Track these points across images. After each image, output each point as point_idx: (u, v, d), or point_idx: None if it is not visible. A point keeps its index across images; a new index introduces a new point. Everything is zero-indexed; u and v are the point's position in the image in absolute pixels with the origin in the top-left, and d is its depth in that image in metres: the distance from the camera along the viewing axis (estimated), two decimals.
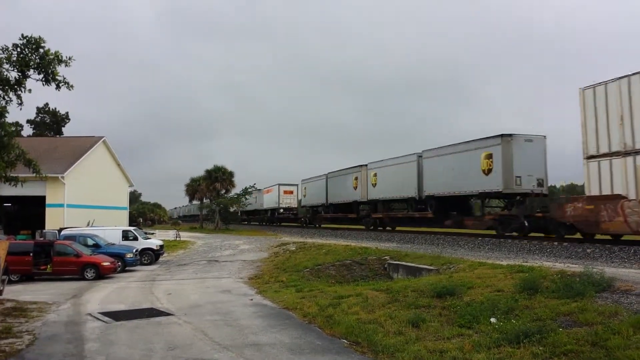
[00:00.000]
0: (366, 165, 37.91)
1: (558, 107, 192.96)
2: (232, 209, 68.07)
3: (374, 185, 36.25)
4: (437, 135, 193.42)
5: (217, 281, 19.34)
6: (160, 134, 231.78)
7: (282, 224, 59.98)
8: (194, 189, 67.70)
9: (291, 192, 57.91)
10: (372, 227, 37.52)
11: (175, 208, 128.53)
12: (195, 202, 77.93)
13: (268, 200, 62.52)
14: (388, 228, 36.38)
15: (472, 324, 9.42)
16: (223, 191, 64.90)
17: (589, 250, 17.73)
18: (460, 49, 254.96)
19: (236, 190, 66.80)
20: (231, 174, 64.64)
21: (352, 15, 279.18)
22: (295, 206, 58.49)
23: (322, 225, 48.30)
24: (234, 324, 11.37)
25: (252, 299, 14.90)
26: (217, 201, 64.83)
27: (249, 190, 66.95)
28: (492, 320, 9.35)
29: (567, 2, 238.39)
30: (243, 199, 66.54)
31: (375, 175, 36.19)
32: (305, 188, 52.34)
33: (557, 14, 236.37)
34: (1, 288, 14.50)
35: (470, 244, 23.61)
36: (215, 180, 63.44)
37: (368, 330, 9.80)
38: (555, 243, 19.70)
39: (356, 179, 39.15)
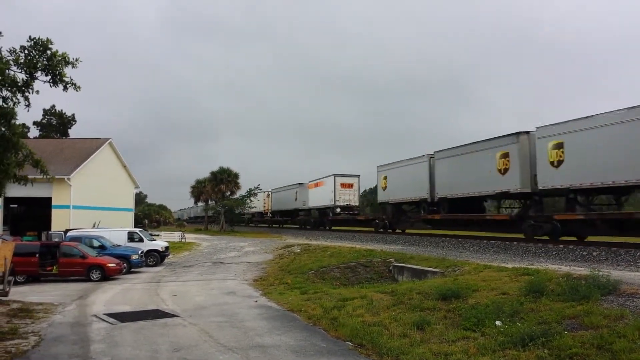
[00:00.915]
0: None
1: (558, 108, 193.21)
2: (237, 211, 68.03)
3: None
4: (437, 135, 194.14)
5: (222, 283, 19.37)
6: (163, 136, 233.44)
7: (334, 227, 47.08)
8: (199, 190, 67.81)
9: (351, 186, 45.13)
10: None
11: (181, 210, 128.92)
12: (200, 203, 78.08)
13: (317, 197, 48.87)
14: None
15: (477, 327, 9.39)
16: (228, 193, 64.99)
17: (595, 253, 17.65)
18: (460, 49, 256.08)
19: (241, 192, 66.91)
20: (236, 176, 64.75)
21: (351, 16, 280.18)
22: (357, 204, 46.03)
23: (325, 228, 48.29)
24: (239, 325, 11.39)
25: (257, 301, 14.91)
26: (222, 203, 64.92)
27: (254, 191, 66.94)
28: (497, 323, 9.32)
29: (566, 3, 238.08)
30: (248, 201, 66.51)
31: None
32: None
33: (557, 14, 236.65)
34: (7, 289, 14.57)
35: (476, 246, 23.55)
36: (220, 182, 63.56)
37: (373, 333, 9.79)
38: (561, 246, 19.62)
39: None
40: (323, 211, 48.59)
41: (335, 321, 11.25)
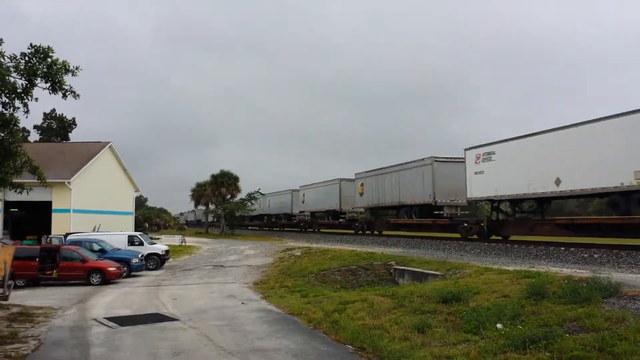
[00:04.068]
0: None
1: (547, 115, 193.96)
2: (237, 214, 67.99)
3: (361, 194, 39.08)
4: (433, 141, 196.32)
5: (222, 286, 19.34)
6: (163, 141, 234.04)
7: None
8: (199, 194, 67.85)
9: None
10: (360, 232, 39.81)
11: (182, 214, 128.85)
12: (201, 207, 78.08)
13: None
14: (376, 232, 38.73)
15: (478, 330, 9.36)
16: (229, 196, 64.97)
17: (596, 256, 17.63)
18: (452, 59, 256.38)
19: (241, 196, 66.90)
20: (236, 179, 64.87)
21: (342, 28, 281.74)
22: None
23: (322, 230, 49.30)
24: (239, 329, 11.35)
25: (257, 305, 14.88)
26: (222, 206, 64.88)
27: (254, 195, 66.91)
28: (499, 326, 9.28)
29: (556, 13, 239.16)
30: (249, 204, 66.48)
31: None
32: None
33: (546, 24, 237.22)
34: (7, 293, 14.54)
35: (477, 249, 23.52)
36: (221, 185, 63.60)
37: (374, 336, 9.76)
38: (562, 248, 19.61)
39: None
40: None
41: (336, 324, 11.22)
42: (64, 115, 72.93)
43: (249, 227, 74.67)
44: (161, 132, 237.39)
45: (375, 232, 38.14)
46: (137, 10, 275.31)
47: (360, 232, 39.42)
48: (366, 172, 38.83)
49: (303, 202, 52.51)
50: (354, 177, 41.18)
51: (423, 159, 31.16)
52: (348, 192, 42.79)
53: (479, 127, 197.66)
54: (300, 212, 54.05)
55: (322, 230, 49.17)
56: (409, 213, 33.12)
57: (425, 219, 31.21)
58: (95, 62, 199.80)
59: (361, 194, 38.86)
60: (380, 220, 38.39)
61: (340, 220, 45.19)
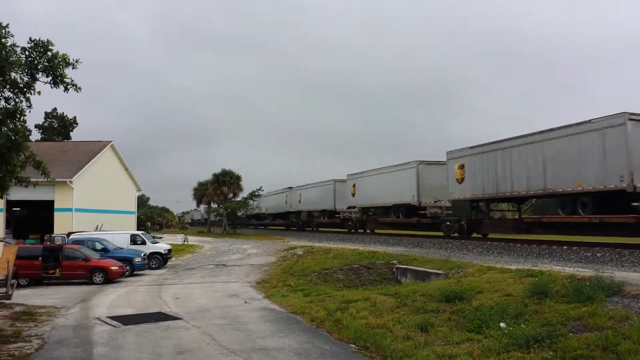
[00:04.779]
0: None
1: (547, 115, 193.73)
2: (239, 213, 68.03)
3: (353, 194, 40.48)
4: (433, 140, 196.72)
5: (225, 285, 19.35)
6: (164, 140, 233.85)
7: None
8: (201, 193, 67.79)
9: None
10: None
11: (185, 213, 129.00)
12: (203, 206, 78.12)
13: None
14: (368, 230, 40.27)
15: (481, 329, 9.35)
16: (231, 195, 65.00)
17: (598, 255, 17.59)
18: (452, 60, 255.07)
19: (243, 194, 66.94)
20: (238, 178, 64.70)
21: (343, 27, 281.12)
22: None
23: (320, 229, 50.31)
24: (242, 328, 11.36)
25: (260, 304, 14.89)
26: (224, 205, 64.90)
27: (256, 193, 66.94)
28: (502, 325, 9.27)
29: (555, 13, 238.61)
30: (250, 202, 66.53)
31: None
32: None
33: (546, 24, 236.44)
34: (10, 292, 14.60)
35: (479, 248, 23.49)
36: (222, 184, 63.53)
37: (376, 335, 9.76)
38: (565, 247, 19.56)
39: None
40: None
41: (338, 323, 11.22)
42: (65, 114, 73.04)
43: (253, 227, 74.78)
44: (161, 131, 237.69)
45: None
46: (137, 10, 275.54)
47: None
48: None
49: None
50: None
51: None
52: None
53: (479, 127, 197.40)
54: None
55: (320, 229, 49.89)
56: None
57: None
58: (95, 62, 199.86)
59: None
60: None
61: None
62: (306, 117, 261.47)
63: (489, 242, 24.11)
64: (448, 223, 28.49)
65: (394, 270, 20.24)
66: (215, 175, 64.75)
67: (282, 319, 12.41)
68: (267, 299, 15.85)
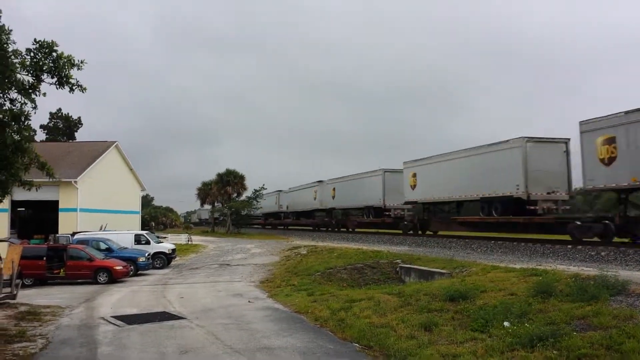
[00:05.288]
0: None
1: (547, 115, 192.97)
2: (243, 213, 68.01)
3: (333, 197, 47.96)
4: (433, 140, 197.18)
5: (228, 285, 19.38)
6: (167, 140, 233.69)
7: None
8: (205, 192, 67.86)
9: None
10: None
11: (191, 212, 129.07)
12: (207, 206, 78.15)
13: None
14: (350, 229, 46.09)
15: (485, 328, 9.33)
16: (234, 195, 65.03)
17: (603, 254, 17.55)
18: (452, 60, 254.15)
19: (247, 194, 66.94)
20: (242, 177, 64.73)
21: (342, 28, 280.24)
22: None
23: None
24: (246, 327, 11.37)
25: (263, 303, 14.91)
26: (228, 205, 64.95)
27: (259, 192, 66.89)
28: (506, 324, 9.25)
29: (555, 13, 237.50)
30: (254, 202, 66.49)
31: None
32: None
33: (546, 24, 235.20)
34: (15, 292, 14.66)
35: (483, 247, 23.48)
36: (226, 184, 63.58)
37: (380, 334, 9.75)
38: (569, 246, 19.53)
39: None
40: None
41: (342, 323, 11.22)
42: (69, 115, 73.24)
43: (257, 226, 74.86)
44: (162, 131, 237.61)
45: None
46: (137, 10, 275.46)
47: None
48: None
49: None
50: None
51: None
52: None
53: (479, 127, 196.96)
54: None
55: (358, 230, 50.03)
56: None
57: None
58: (96, 62, 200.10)
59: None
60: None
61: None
62: (306, 117, 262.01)
63: (492, 242, 24.10)
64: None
65: (397, 269, 20.24)
66: (219, 175, 64.79)
67: (286, 319, 12.41)
68: (271, 298, 15.87)
